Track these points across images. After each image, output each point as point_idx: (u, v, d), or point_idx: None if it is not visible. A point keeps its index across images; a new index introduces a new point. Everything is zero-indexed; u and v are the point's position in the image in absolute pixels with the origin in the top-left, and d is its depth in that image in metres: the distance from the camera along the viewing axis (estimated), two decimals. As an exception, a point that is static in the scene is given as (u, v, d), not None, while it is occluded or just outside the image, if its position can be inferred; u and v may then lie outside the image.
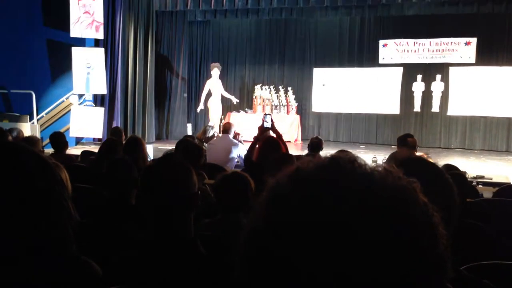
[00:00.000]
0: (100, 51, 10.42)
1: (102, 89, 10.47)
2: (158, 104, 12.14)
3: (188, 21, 12.51)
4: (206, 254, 1.59)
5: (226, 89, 12.04)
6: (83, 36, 10.34)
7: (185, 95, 12.68)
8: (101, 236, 2.36)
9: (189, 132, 12.77)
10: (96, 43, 10.66)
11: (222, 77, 13.89)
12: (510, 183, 5.18)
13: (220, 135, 7.04)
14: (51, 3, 10.55)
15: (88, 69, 10.26)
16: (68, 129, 9.92)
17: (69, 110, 10.33)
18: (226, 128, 6.72)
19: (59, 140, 5.02)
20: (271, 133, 5.21)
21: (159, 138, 12.29)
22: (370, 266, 0.47)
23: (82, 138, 10.73)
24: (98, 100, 10.80)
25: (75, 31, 10.19)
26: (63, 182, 0.95)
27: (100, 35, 10.38)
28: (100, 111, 10.35)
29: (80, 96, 10.60)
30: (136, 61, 11.20)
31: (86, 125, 10.10)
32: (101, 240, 2.27)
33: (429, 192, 1.31)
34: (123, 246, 1.90)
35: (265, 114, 5.63)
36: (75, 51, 10.20)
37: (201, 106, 11.50)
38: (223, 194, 2.64)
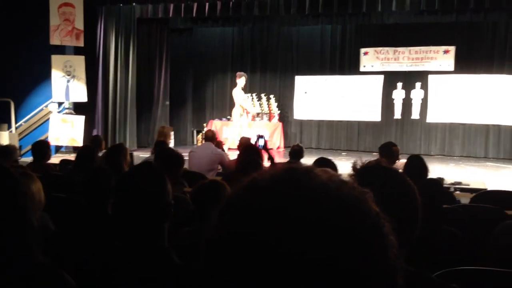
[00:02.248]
0: (81, 58, 10.33)
1: (82, 97, 10.38)
2: (140, 112, 12.06)
3: (170, 29, 12.50)
4: (180, 264, 1.58)
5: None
6: (63, 44, 10.25)
7: (167, 103, 12.63)
8: (77, 245, 2.34)
9: (172, 140, 12.73)
10: (77, 50, 10.57)
11: (204, 84, 13.92)
12: (486, 189, 5.26)
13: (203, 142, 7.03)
14: (30, 10, 10.45)
15: (68, 77, 10.16)
16: (47, 137, 9.80)
17: (48, 118, 10.21)
18: (208, 136, 6.70)
19: (41, 150, 4.94)
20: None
21: (141, 146, 12.21)
22: (317, 278, 0.47)
23: (61, 147, 10.61)
24: (78, 108, 10.70)
25: (55, 39, 10.09)
26: (28, 194, 0.94)
27: (81, 43, 10.30)
28: (80, 119, 10.25)
29: (60, 104, 10.49)
30: (117, 68, 11.13)
31: (65, 133, 9.99)
32: (76, 249, 2.24)
33: (389, 198, 1.32)
34: (99, 255, 1.88)
35: (259, 136, 5.59)
36: (55, 59, 10.10)
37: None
38: (200, 203, 2.63)
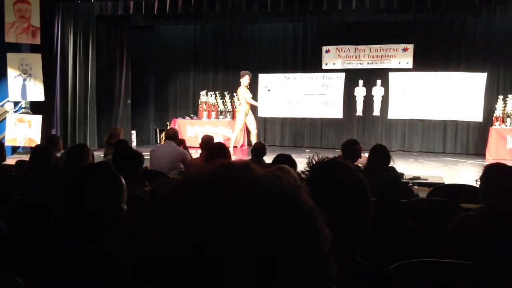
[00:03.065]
0: (37, 56, 10.05)
1: (40, 96, 10.10)
2: (100, 111, 11.84)
3: (130, 26, 12.30)
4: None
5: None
6: (18, 42, 9.94)
7: (129, 101, 12.43)
8: (31, 248, 2.27)
9: (134, 139, 12.56)
10: (33, 48, 10.27)
11: (167, 82, 13.78)
12: (443, 183, 5.42)
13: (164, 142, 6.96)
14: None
15: (25, 76, 9.87)
16: (3, 137, 9.49)
17: (5, 118, 9.88)
18: (170, 135, 6.64)
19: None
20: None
21: (102, 145, 11.96)
22: (249, 272, 0.47)
23: (18, 147, 10.29)
24: (35, 107, 10.40)
25: (10, 37, 9.77)
26: None
27: (37, 41, 10.02)
28: (38, 118, 9.97)
29: (16, 103, 10.17)
30: (76, 66, 10.89)
31: (22, 133, 9.70)
32: (30, 252, 2.18)
33: (341, 192, 1.35)
34: (52, 258, 1.83)
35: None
36: (10, 57, 9.78)
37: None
38: None
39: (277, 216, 0.50)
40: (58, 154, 5.48)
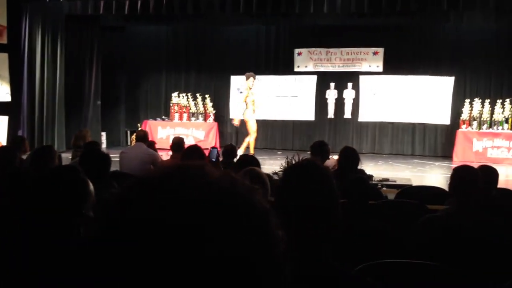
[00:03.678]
0: (4, 56, 9.80)
1: (6, 97, 9.86)
2: (69, 112, 11.62)
3: (101, 27, 12.12)
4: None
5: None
6: (-16, 40, 9.69)
7: (99, 102, 12.25)
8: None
9: (104, 141, 12.38)
10: (-1, 47, 10.03)
11: (138, 83, 13.62)
12: (411, 185, 5.51)
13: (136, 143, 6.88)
14: None
15: (-10, 75, 9.62)
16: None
17: (-31, 119, 9.62)
18: (140, 136, 6.56)
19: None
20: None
21: (70, 147, 11.75)
22: (198, 275, 0.46)
23: (-17, 149, 10.01)
24: (1, 108, 10.13)
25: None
26: None
27: (4, 40, 9.78)
28: (3, 119, 9.73)
29: (-19, 104, 9.91)
30: (44, 67, 10.66)
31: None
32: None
33: (313, 193, 1.36)
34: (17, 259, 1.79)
35: (212, 148, 5.48)
36: (-25, 56, 9.53)
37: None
38: None
39: (229, 218, 0.49)
40: (24, 156, 5.36)
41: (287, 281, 0.52)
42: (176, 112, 12.68)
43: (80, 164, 3.29)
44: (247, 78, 10.57)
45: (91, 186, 2.03)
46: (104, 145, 11.97)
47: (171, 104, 12.83)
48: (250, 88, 10.50)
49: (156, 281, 0.46)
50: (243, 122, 10.67)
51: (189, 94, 12.83)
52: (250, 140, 10.46)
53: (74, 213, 1.57)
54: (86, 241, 0.52)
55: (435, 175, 9.09)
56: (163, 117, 12.96)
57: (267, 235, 0.51)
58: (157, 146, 7.63)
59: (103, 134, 12.46)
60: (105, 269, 0.47)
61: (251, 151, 10.13)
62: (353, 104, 12.44)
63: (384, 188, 5.10)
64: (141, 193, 0.51)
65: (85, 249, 0.51)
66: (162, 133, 12.48)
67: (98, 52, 12.07)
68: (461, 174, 2.85)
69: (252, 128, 10.48)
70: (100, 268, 0.48)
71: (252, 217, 0.51)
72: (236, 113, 12.96)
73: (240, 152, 10.23)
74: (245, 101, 10.53)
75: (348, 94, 12.46)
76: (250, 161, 3.90)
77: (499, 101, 11.24)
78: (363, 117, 12.34)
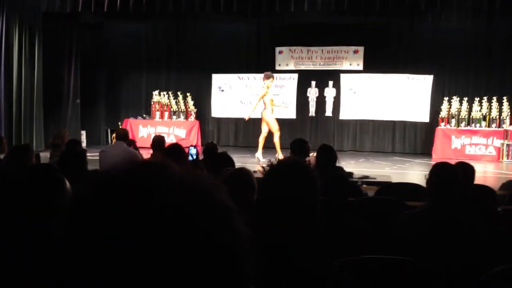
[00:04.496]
0: (-20, 53, 9.62)
1: (-17, 95, 9.67)
2: (48, 111, 11.46)
3: (80, 24, 11.97)
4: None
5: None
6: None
7: (78, 101, 12.10)
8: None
9: (84, 139, 12.23)
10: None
11: (119, 82, 13.49)
12: (391, 182, 5.57)
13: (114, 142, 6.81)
14: None
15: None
16: None
17: None
18: (120, 135, 6.50)
19: None
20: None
21: (49, 146, 11.61)
22: (158, 272, 0.46)
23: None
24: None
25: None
26: None
27: (-21, 37, 9.60)
28: (-19, 119, 9.55)
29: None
30: (22, 65, 10.50)
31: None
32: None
33: (296, 190, 1.37)
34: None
35: (191, 146, 5.40)
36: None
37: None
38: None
39: (189, 215, 0.49)
40: (1, 156, 5.27)
41: (250, 278, 0.52)
42: (157, 111, 12.61)
43: (59, 162, 3.26)
44: (267, 78, 10.35)
45: (68, 185, 2.01)
46: (84, 144, 11.84)
47: (152, 103, 12.75)
48: (269, 87, 10.31)
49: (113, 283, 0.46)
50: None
51: (170, 93, 12.76)
52: (275, 140, 10.21)
53: (50, 212, 1.55)
54: (51, 240, 0.51)
55: (414, 172, 9.20)
56: (144, 115, 12.87)
57: (230, 230, 0.51)
58: (138, 144, 7.59)
59: (83, 132, 12.32)
60: (65, 268, 0.47)
61: (278, 151, 9.96)
62: (334, 102, 12.51)
63: (364, 185, 5.15)
64: (98, 193, 0.51)
65: (49, 248, 0.50)
66: (143, 131, 12.40)
67: (77, 50, 11.93)
68: (438, 171, 2.89)
69: (274, 127, 10.28)
70: (61, 266, 0.48)
71: (212, 214, 0.51)
72: (216, 111, 12.93)
73: (258, 154, 10.16)
74: (263, 101, 10.31)
75: (329, 92, 12.52)
76: (225, 160, 3.92)
77: (477, 99, 11.42)
78: (344, 115, 12.42)
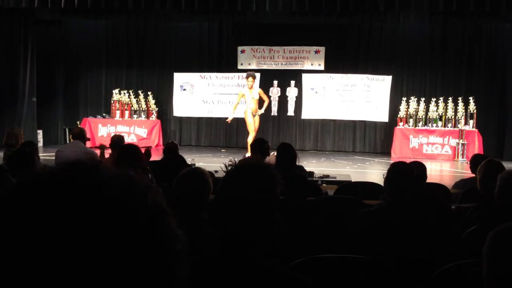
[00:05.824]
0: None
1: None
2: (2, 109, 11.08)
3: (36, 20, 11.61)
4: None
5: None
6: None
7: (34, 99, 11.74)
8: None
9: (40, 139, 11.88)
10: None
11: (77, 79, 13.17)
12: (351, 181, 5.65)
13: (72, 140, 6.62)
14: None
15: None
16: None
17: None
18: (76, 134, 6.33)
19: None
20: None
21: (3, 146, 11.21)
22: (86, 270, 0.45)
23: None
24: None
25: None
26: None
27: None
28: None
29: None
30: (-26, 61, 10.10)
31: None
32: None
33: (255, 191, 1.37)
34: None
35: (147, 147, 5.26)
36: None
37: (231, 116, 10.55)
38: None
39: (118, 216, 0.48)
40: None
41: (184, 282, 0.50)
42: (118, 110, 12.37)
43: (6, 162, 3.14)
44: (249, 78, 10.31)
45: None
46: (40, 144, 11.51)
47: (112, 101, 12.50)
48: (251, 88, 10.24)
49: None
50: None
51: (131, 91, 12.55)
52: (248, 139, 10.25)
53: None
54: None
55: (374, 171, 9.36)
56: (104, 114, 12.62)
57: (161, 232, 0.50)
58: (98, 144, 7.42)
59: (40, 132, 11.98)
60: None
61: (249, 151, 9.96)
62: (296, 101, 12.60)
63: (324, 185, 5.20)
64: (27, 193, 0.49)
65: None
66: (103, 130, 12.15)
67: (32, 46, 11.57)
68: (394, 170, 2.94)
69: (250, 127, 10.27)
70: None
71: (144, 214, 0.49)
72: (178, 110, 12.80)
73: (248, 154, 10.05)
74: (245, 100, 10.30)
75: (291, 92, 12.61)
76: (179, 159, 3.89)
77: (433, 99, 11.74)
78: (305, 114, 12.53)
